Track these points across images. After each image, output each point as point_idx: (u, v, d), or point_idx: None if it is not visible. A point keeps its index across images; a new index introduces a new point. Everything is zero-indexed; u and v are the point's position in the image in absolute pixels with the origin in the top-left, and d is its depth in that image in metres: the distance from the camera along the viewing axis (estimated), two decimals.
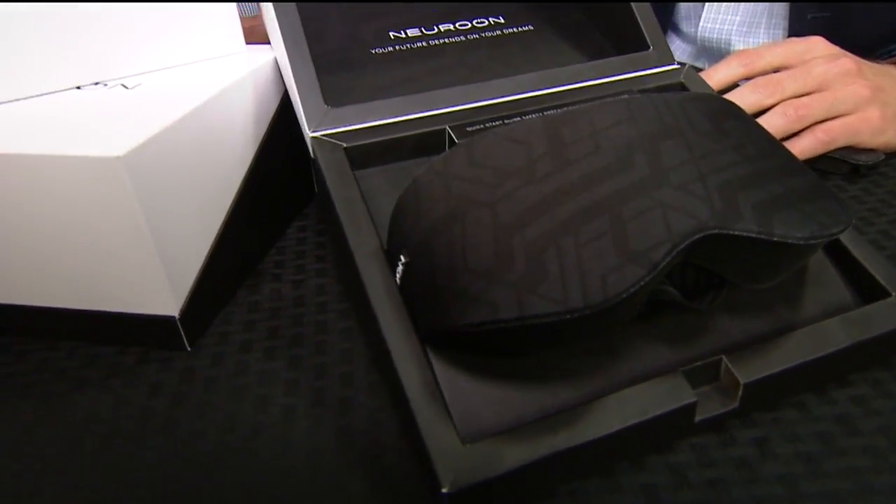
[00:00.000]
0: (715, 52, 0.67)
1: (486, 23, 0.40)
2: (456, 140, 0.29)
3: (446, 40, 0.38)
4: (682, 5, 0.70)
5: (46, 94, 0.31)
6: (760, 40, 0.64)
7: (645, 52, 0.36)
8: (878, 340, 0.25)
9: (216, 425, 0.26)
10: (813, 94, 0.40)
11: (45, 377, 0.29)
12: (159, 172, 0.27)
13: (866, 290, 0.27)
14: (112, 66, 0.33)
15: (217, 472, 0.24)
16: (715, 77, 0.42)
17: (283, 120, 0.36)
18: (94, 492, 0.24)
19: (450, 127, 0.30)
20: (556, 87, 0.34)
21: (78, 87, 0.32)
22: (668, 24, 0.72)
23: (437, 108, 0.32)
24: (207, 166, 0.30)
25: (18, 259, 0.28)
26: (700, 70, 0.43)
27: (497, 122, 0.30)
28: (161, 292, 0.28)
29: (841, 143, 0.40)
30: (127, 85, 0.32)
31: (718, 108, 0.27)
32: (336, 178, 0.28)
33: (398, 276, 0.25)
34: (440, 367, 0.24)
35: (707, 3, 0.65)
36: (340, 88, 0.34)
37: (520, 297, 0.21)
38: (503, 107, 0.32)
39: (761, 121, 0.40)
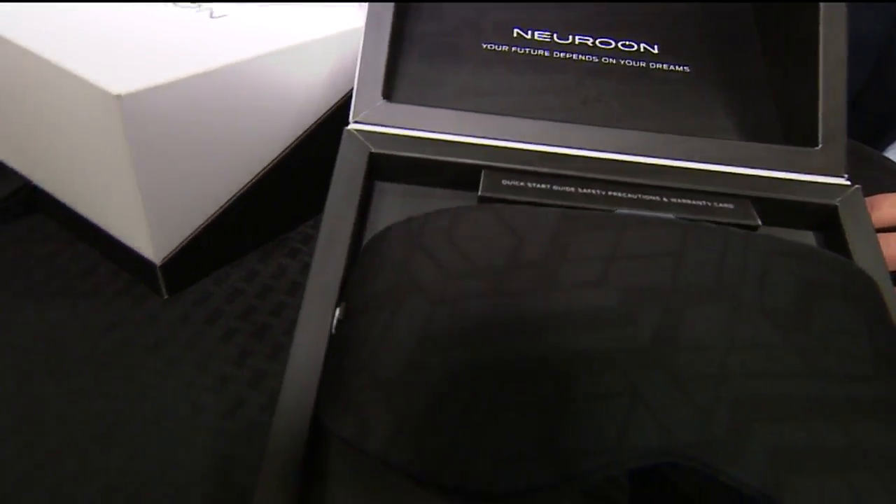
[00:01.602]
0: None
1: (634, 48, 0.32)
2: (481, 188, 0.24)
3: (574, 56, 0.32)
4: None
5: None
6: None
7: (809, 150, 0.27)
8: None
9: (128, 393, 0.25)
10: None
11: (43, 269, 0.30)
12: (171, 121, 0.25)
13: None
14: None
15: (100, 441, 0.23)
16: None
17: None
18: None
19: (486, 169, 0.25)
20: (662, 158, 0.27)
21: (174, 1, 0.31)
22: None
23: (504, 140, 0.27)
24: (243, 124, 0.28)
25: (41, 149, 0.29)
26: None
27: (546, 185, 0.24)
28: (143, 238, 0.27)
29: None
30: (214, 12, 0.31)
31: (825, 278, 0.19)
32: (339, 187, 0.25)
33: (332, 324, 0.21)
34: (323, 457, 0.20)
35: None
36: (422, 79, 0.30)
37: (395, 436, 0.16)
38: (579, 163, 0.26)
39: None
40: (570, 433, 0.15)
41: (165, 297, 0.29)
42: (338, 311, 0.21)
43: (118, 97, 0.23)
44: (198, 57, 0.26)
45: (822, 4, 0.29)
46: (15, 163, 0.32)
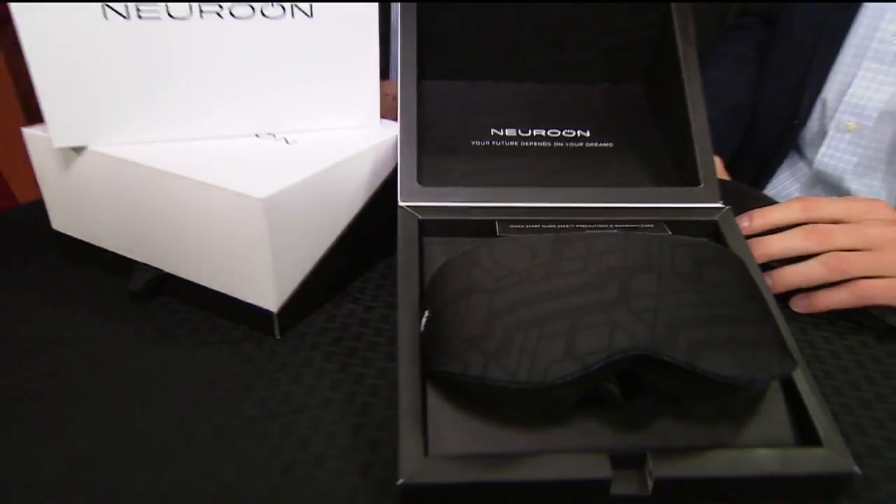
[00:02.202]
0: (828, 186, 0.69)
1: (574, 134, 0.48)
2: (497, 232, 0.38)
3: (534, 143, 0.47)
4: (808, 131, 0.72)
5: (236, 136, 0.44)
6: (876, 184, 0.65)
7: (694, 188, 0.42)
8: (794, 480, 0.30)
9: (276, 397, 0.36)
10: (861, 251, 0.43)
11: (182, 331, 0.41)
12: (287, 211, 0.38)
13: (807, 435, 0.32)
14: (281, 124, 0.45)
15: (263, 424, 0.34)
16: (772, 217, 0.46)
17: (391, 183, 0.46)
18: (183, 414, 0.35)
19: (498, 220, 0.39)
20: (604, 203, 0.41)
21: (257, 136, 0.45)
22: (790, 144, 0.74)
23: (503, 202, 0.41)
24: (323, 210, 0.41)
25: (177, 245, 0.41)
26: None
27: (537, 225, 0.38)
28: (268, 293, 0.39)
29: (879, 301, 0.42)
30: (288, 140, 0.44)
31: (709, 255, 0.33)
32: (404, 243, 0.38)
33: (422, 325, 0.34)
34: (433, 398, 0.32)
35: (828, 137, 0.68)
36: (437, 169, 0.44)
37: (486, 363, 0.29)
38: (553, 211, 0.40)
39: (804, 266, 0.44)
40: (582, 345, 0.28)
41: (278, 336, 0.41)
42: (426, 314, 0.33)
43: (262, 200, 0.36)
44: (294, 168, 0.39)
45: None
46: (150, 260, 0.43)
